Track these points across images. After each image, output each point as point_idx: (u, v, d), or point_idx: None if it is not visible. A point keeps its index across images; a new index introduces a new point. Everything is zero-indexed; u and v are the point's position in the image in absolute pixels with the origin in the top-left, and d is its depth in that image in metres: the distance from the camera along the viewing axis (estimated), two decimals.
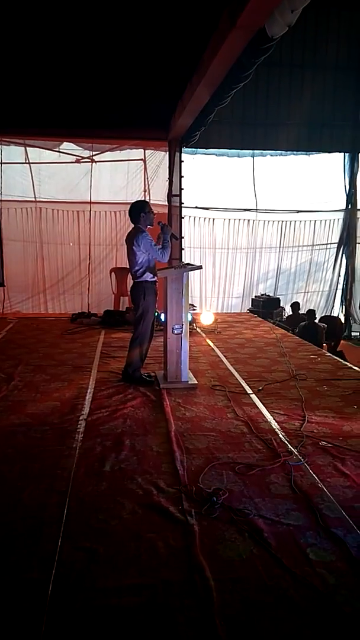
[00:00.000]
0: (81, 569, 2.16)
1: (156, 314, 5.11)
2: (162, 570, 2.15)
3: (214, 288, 11.21)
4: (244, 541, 2.34)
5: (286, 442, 3.47)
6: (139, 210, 4.67)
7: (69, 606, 1.95)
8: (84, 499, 2.71)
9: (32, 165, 9.32)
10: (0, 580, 2.09)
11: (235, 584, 2.07)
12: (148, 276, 4.66)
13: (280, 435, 3.58)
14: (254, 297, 10.71)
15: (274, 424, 3.80)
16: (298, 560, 2.21)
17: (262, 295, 10.66)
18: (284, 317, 10.20)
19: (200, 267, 5.04)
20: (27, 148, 9.18)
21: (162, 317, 6.45)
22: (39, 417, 3.92)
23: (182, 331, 4.64)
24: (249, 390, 4.61)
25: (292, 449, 3.34)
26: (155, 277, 4.70)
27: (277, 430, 3.69)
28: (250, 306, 10.62)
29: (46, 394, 4.48)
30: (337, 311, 11.93)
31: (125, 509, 2.61)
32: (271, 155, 10.99)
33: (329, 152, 11.15)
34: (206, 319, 7.62)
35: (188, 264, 4.86)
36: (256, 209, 11.17)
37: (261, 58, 4.73)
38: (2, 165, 9.03)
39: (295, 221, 11.47)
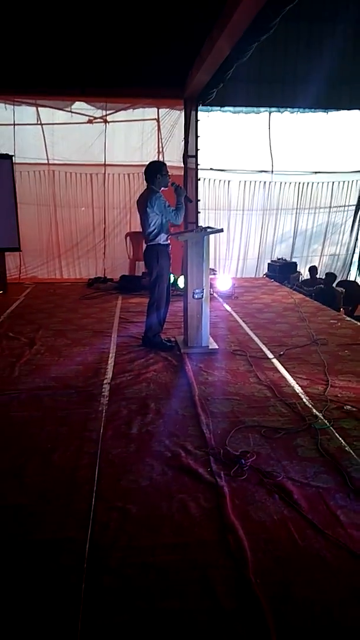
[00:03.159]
0: (116, 528, 2.21)
1: (172, 278, 5.00)
2: (195, 530, 2.20)
3: (229, 251, 11.05)
4: (275, 503, 2.37)
5: (310, 406, 3.47)
6: (155, 171, 4.57)
7: (106, 563, 2.00)
8: (114, 460, 2.75)
9: (44, 126, 9.09)
10: (38, 538, 2.15)
11: (268, 544, 2.10)
12: (161, 239, 4.59)
13: (304, 400, 3.58)
14: (270, 262, 10.58)
15: (297, 389, 3.80)
16: (329, 522, 2.24)
17: (278, 259, 10.51)
18: (300, 281, 10.07)
19: (221, 230, 4.95)
20: (39, 109, 8.92)
21: (180, 282, 6.41)
22: (63, 380, 3.96)
23: (202, 296, 4.61)
24: (270, 355, 4.60)
25: (317, 413, 3.35)
26: (169, 240, 4.63)
27: (300, 394, 3.69)
28: (266, 271, 10.50)
29: (69, 358, 4.51)
30: (355, 275, 11.75)
31: (154, 470, 2.65)
32: (289, 112, 10.62)
33: (349, 109, 10.73)
34: (223, 283, 7.54)
35: (208, 227, 4.77)
36: (272, 171, 10.88)
37: (287, 7, 4.49)
38: (15, 127, 8.82)
39: (312, 182, 11.19)
